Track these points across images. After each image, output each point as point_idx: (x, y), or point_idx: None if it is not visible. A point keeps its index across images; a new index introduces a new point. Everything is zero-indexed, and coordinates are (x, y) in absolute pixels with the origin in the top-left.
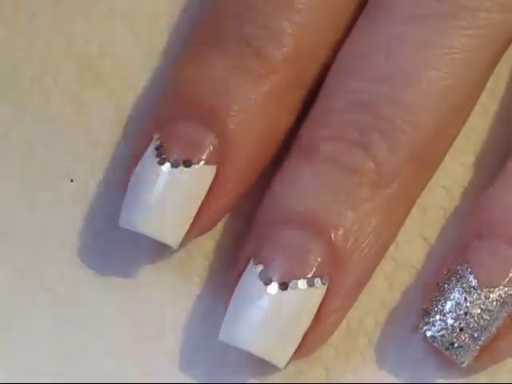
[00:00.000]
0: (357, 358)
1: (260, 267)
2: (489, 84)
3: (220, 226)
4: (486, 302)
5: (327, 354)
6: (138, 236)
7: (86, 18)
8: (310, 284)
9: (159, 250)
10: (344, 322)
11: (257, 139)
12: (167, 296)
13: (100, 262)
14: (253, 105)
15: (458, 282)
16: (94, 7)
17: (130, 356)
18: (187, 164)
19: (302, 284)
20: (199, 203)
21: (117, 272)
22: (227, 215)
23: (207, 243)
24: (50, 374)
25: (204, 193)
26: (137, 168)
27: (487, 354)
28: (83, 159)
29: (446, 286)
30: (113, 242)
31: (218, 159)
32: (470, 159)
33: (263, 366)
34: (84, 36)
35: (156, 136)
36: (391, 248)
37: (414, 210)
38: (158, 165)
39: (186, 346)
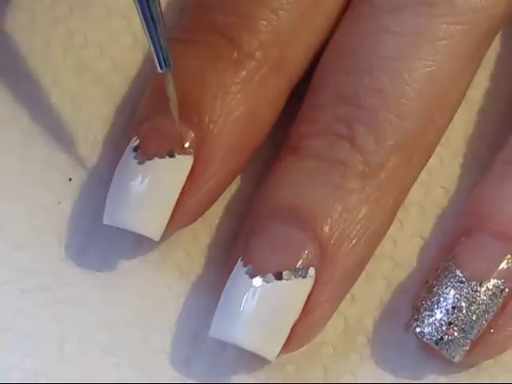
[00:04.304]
0: (355, 357)
1: (246, 261)
2: (488, 84)
3: (219, 225)
4: (475, 296)
5: (325, 353)
6: (137, 236)
7: (85, 17)
8: (296, 275)
9: (158, 250)
10: (342, 321)
11: (234, 126)
12: (165, 295)
13: (99, 261)
14: (228, 92)
15: (446, 277)
16: (92, 7)
17: (128, 356)
18: (161, 156)
19: (287, 275)
20: (177, 194)
21: (115, 272)
22: (226, 214)
23: (205, 242)
24: (50, 373)
25: (181, 183)
26: (117, 167)
27: (480, 349)
28: (82, 158)
29: (434, 282)
30: (111, 242)
31: (195, 149)
32: (469, 159)
33: (261, 365)
34: (82, 35)
35: (134, 133)
36: (389, 247)
37: (412, 210)
38: (133, 160)
39: (184, 346)
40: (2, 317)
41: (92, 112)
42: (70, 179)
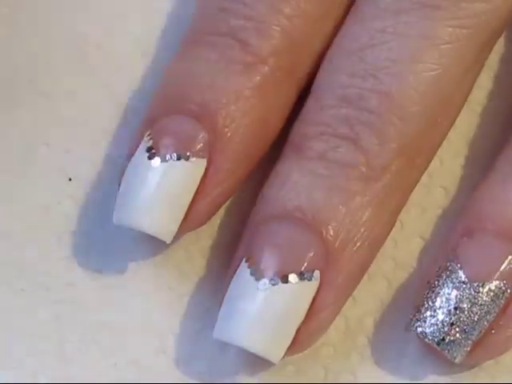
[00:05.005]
0: (356, 358)
1: (251, 263)
2: (489, 85)
3: (220, 225)
4: (477, 297)
5: (326, 354)
6: (138, 235)
7: (85, 16)
8: (302, 278)
9: (159, 250)
10: (343, 322)
11: (247, 131)
12: (166, 296)
13: (99, 261)
14: (241, 96)
15: (448, 277)
16: (94, 6)
17: (129, 356)
18: (176, 158)
19: (293, 278)
20: (190, 197)
21: (116, 272)
22: (227, 215)
23: (207, 243)
24: (50, 373)
25: (195, 186)
26: (128, 166)
27: (481, 350)
28: (82, 158)
29: (436, 282)
30: (112, 242)
31: (208, 152)
32: (470, 160)
33: (262, 365)
34: (83, 35)
35: (146, 133)
36: (390, 248)
37: (413, 210)
38: (147, 160)
39: (184, 346)
40: (2, 317)
41: (92, 112)
42: (70, 179)
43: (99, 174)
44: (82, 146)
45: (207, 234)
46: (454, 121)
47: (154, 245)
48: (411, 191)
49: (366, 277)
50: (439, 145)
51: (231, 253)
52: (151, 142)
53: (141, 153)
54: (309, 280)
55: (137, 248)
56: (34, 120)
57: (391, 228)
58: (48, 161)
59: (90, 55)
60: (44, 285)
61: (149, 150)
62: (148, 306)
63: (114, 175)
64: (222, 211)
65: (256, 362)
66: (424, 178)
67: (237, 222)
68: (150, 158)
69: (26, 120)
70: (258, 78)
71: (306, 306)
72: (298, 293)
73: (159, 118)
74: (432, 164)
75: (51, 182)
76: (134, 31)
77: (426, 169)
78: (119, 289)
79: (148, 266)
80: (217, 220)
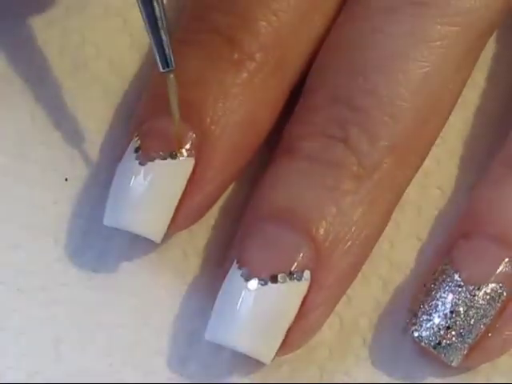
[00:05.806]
0: (351, 358)
1: (241, 264)
2: (484, 84)
3: (215, 225)
4: (473, 300)
5: (321, 354)
6: (133, 235)
7: (82, 17)
8: (291, 278)
9: (154, 250)
10: (338, 322)
11: (235, 128)
12: (161, 296)
13: (95, 261)
14: (229, 94)
15: (444, 281)
16: (90, 6)
17: (124, 356)
18: (163, 158)
19: (282, 278)
20: (178, 196)
21: (111, 272)
22: (222, 215)
23: (202, 242)
24: (46, 373)
25: (182, 185)
26: (118, 167)
27: (477, 353)
28: (78, 158)
29: (432, 286)
30: (108, 242)
31: (196, 151)
32: (466, 160)
33: (257, 365)
34: (80, 35)
35: (135, 134)
36: (386, 248)
37: (409, 211)
38: (135, 161)
39: (179, 346)
40: (2, 317)
41: (88, 112)
42: (67, 179)
43: (96, 174)
44: (78, 147)
45: (202, 234)
46: (446, 119)
47: (149, 245)
48: (404, 190)
49: (361, 277)
50: (432, 143)
51: (226, 253)
52: (139, 142)
53: (129, 153)
54: (298, 280)
55: (132, 248)
56: (31, 120)
57: (384, 227)
58: (44, 161)
59: (87, 55)
60: (40, 285)
61: (137, 150)
62: (143, 306)
63: (111, 175)
64: (216, 211)
65: (251, 363)
66: (420, 178)
67: (232, 221)
68: (137, 158)
69: (22, 119)
70: (246, 74)
71: (296, 306)
72: (287, 293)
73: (147, 117)
74: (428, 164)
75: (48, 182)
76: (131, 31)
77: (419, 167)
78: (115, 289)
79: (143, 267)
80: (212, 220)
